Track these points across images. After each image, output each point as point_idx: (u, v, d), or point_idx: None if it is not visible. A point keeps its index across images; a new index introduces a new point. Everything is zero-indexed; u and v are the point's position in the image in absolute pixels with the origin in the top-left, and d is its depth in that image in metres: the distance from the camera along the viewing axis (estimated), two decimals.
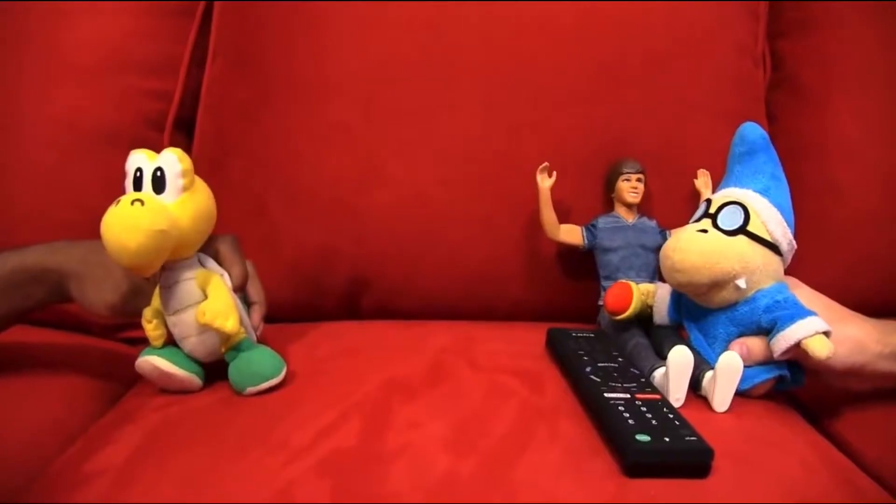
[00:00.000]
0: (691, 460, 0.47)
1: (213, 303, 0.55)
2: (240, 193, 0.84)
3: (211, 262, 0.60)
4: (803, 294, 0.61)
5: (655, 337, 0.66)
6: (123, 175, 0.54)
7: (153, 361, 0.57)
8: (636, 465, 0.46)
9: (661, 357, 0.63)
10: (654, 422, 0.50)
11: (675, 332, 0.66)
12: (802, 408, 0.65)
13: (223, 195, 0.83)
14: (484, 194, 0.80)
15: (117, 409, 0.61)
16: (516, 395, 0.58)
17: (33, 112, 0.83)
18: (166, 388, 0.59)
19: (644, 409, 0.51)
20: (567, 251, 0.80)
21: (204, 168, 0.86)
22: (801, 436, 0.56)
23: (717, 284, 0.59)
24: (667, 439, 0.47)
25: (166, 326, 0.58)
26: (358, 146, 0.81)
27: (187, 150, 0.88)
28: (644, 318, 0.68)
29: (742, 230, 0.60)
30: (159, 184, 0.53)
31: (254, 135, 0.84)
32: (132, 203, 0.50)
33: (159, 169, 0.53)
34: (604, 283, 0.76)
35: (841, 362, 0.57)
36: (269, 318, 0.65)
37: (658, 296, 0.67)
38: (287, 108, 0.83)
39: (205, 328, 0.56)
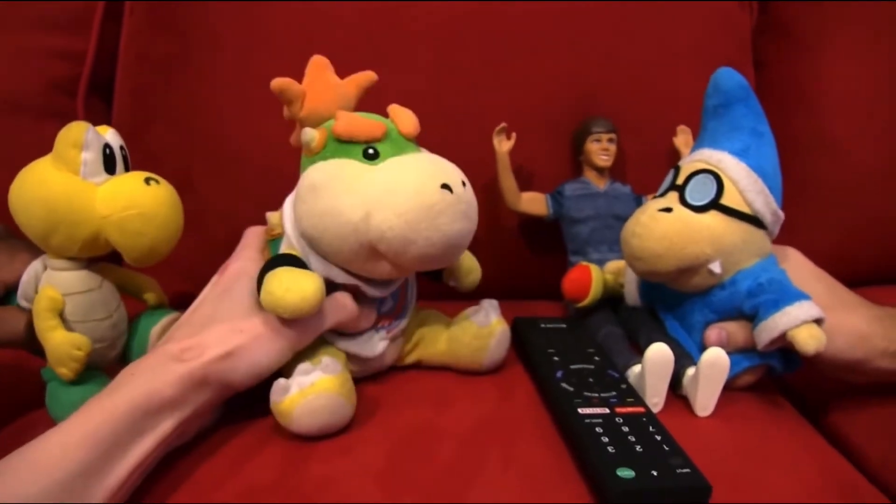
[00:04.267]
0: (686, 499, 0.39)
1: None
2: (162, 164, 0.72)
3: None
4: (799, 271, 0.53)
5: (629, 322, 0.59)
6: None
7: None
8: None
9: (636, 346, 0.56)
10: (638, 447, 0.42)
11: (652, 318, 0.58)
12: (795, 396, 0.57)
13: (144, 167, 0.75)
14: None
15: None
16: (470, 404, 0.50)
17: None
18: None
19: (626, 428, 0.44)
20: (530, 222, 0.73)
21: (123, 138, 0.78)
22: (799, 442, 0.49)
23: (687, 271, 0.51)
24: (654, 473, 0.39)
25: None
26: None
27: (106, 117, 0.79)
28: (616, 298, 0.61)
29: (714, 204, 0.51)
30: (126, 162, 0.49)
31: (175, 97, 0.76)
32: (147, 182, 0.47)
33: (123, 148, 0.49)
34: (572, 258, 0.68)
35: (837, 356, 0.50)
36: None
37: (628, 275, 0.59)
38: (211, 65, 0.74)
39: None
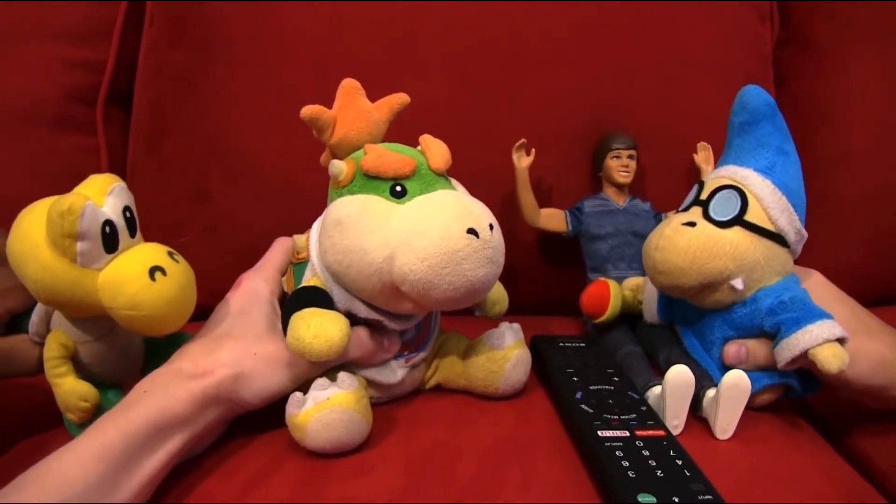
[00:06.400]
0: None
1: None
2: (178, 175, 0.76)
3: None
4: (822, 293, 0.52)
5: (647, 340, 0.58)
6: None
7: None
8: None
9: (656, 364, 0.56)
10: (659, 472, 0.41)
11: (671, 336, 0.57)
12: (816, 419, 0.56)
13: (161, 177, 0.76)
14: (451, 173, 0.71)
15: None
16: (488, 424, 0.49)
17: None
18: None
19: (646, 452, 0.43)
20: (549, 238, 0.72)
21: (141, 148, 0.78)
22: (820, 465, 0.48)
23: (708, 287, 0.50)
24: (676, 499, 0.39)
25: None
26: None
27: (124, 127, 0.79)
28: (634, 315, 0.60)
29: (738, 220, 0.50)
30: (132, 226, 0.44)
31: (193, 108, 0.75)
32: (172, 258, 0.44)
33: (127, 209, 0.43)
34: (591, 275, 0.67)
35: (859, 381, 0.48)
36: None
37: (647, 291, 0.58)
38: (229, 75, 0.74)
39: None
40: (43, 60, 0.77)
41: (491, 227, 0.45)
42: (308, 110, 0.48)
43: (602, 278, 0.62)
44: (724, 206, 0.51)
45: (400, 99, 0.52)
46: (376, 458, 0.45)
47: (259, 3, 0.74)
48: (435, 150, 0.49)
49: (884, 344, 0.50)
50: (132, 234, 0.44)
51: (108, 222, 0.41)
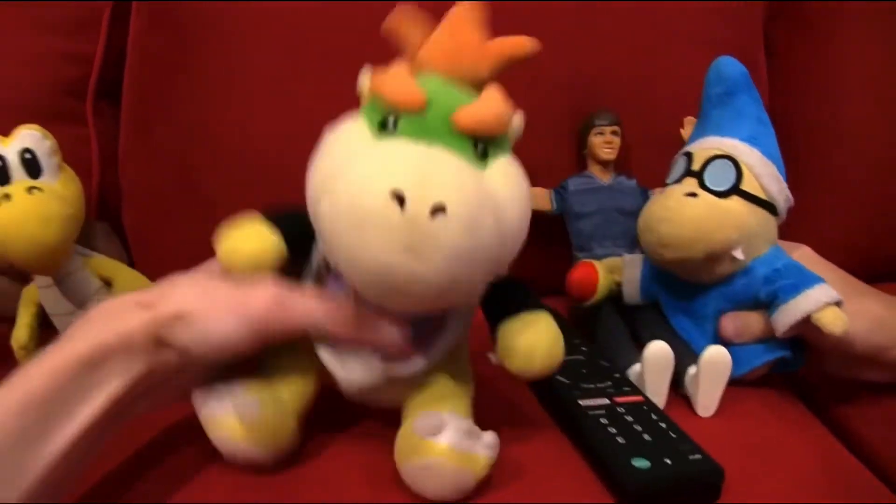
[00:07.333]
0: (701, 486, 0.39)
1: (126, 283, 0.53)
2: (168, 162, 0.75)
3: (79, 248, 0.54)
4: (811, 264, 0.52)
5: (632, 319, 0.57)
6: None
7: None
8: (637, 499, 0.38)
9: (639, 342, 0.54)
10: (646, 436, 0.41)
11: (655, 314, 0.57)
12: (803, 392, 0.56)
13: (151, 166, 0.76)
14: None
15: None
16: None
17: None
18: None
19: (629, 417, 0.43)
20: (534, 217, 0.69)
21: (130, 137, 0.78)
22: (805, 437, 0.48)
23: (712, 258, 0.50)
24: (668, 461, 0.39)
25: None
26: (299, 102, 0.71)
27: (115, 118, 0.80)
28: (615, 295, 0.60)
29: (735, 190, 0.50)
30: (33, 167, 0.49)
31: (180, 94, 0.75)
32: (29, 192, 0.46)
33: (28, 150, 0.48)
34: (577, 253, 0.67)
35: (859, 341, 0.48)
36: None
37: (626, 275, 0.58)
38: (214, 63, 0.74)
39: None
40: (32, 53, 0.76)
41: (439, 209, 0.32)
42: (392, 20, 0.40)
43: (587, 260, 0.61)
44: (719, 177, 0.51)
45: (519, 43, 0.40)
46: (332, 465, 0.42)
47: None
48: (474, 103, 0.37)
49: (878, 303, 0.50)
50: (33, 174, 0.48)
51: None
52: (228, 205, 0.72)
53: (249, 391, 0.39)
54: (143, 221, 0.74)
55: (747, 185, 0.50)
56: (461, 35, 0.39)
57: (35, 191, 0.46)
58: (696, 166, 0.52)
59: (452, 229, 0.33)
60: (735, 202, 0.50)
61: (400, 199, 0.32)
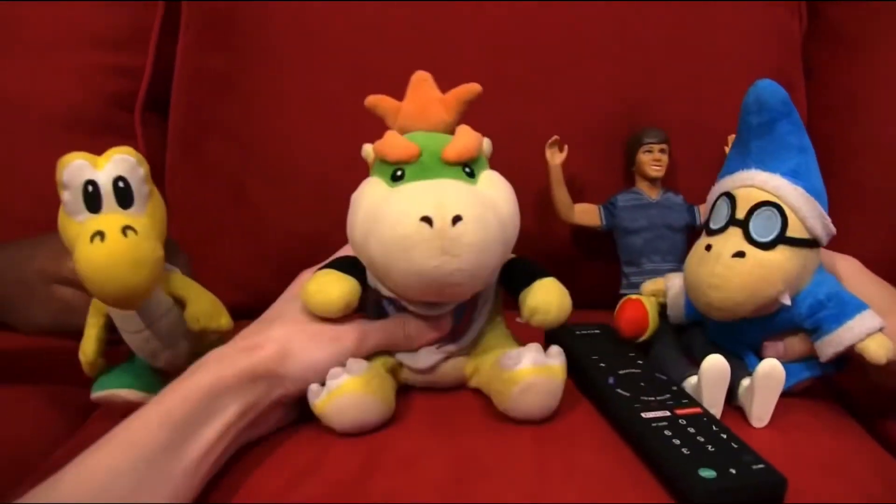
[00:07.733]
0: (765, 495, 0.40)
1: (199, 304, 0.51)
2: (217, 177, 0.77)
3: None
4: (856, 276, 0.53)
5: (683, 331, 0.58)
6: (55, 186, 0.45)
7: (123, 395, 0.50)
8: None
9: (690, 356, 0.55)
10: (709, 447, 0.42)
11: (702, 330, 0.57)
12: (845, 401, 0.56)
13: (199, 180, 0.77)
14: None
15: (101, 413, 0.56)
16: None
17: None
18: None
19: (691, 429, 0.44)
20: (583, 233, 0.73)
21: (178, 151, 0.80)
22: (856, 449, 0.49)
23: (761, 309, 0.50)
24: (732, 471, 0.40)
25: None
26: (346, 119, 0.72)
27: (162, 131, 0.81)
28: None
29: (780, 239, 0.49)
30: (125, 196, 0.46)
31: (230, 110, 0.77)
32: (124, 233, 0.43)
33: (122, 179, 0.45)
34: (625, 268, 0.68)
35: None
36: (253, 315, 0.56)
37: (671, 294, 0.58)
38: (266, 79, 0.76)
39: (197, 334, 0.52)
40: (82, 67, 0.78)
41: (458, 219, 0.43)
42: (370, 99, 0.52)
43: (634, 296, 0.59)
44: (764, 227, 0.50)
45: (469, 89, 0.52)
46: (418, 452, 0.45)
47: (294, 3, 0.75)
48: (455, 141, 0.48)
49: None
50: (124, 204, 0.46)
51: (91, 182, 0.44)
52: (276, 220, 0.75)
53: (356, 362, 0.47)
54: (191, 235, 0.75)
55: (793, 231, 0.49)
56: (424, 97, 0.52)
57: (129, 232, 0.43)
58: (740, 214, 0.51)
59: (470, 229, 0.44)
60: (781, 253, 0.49)
61: (428, 221, 0.43)
